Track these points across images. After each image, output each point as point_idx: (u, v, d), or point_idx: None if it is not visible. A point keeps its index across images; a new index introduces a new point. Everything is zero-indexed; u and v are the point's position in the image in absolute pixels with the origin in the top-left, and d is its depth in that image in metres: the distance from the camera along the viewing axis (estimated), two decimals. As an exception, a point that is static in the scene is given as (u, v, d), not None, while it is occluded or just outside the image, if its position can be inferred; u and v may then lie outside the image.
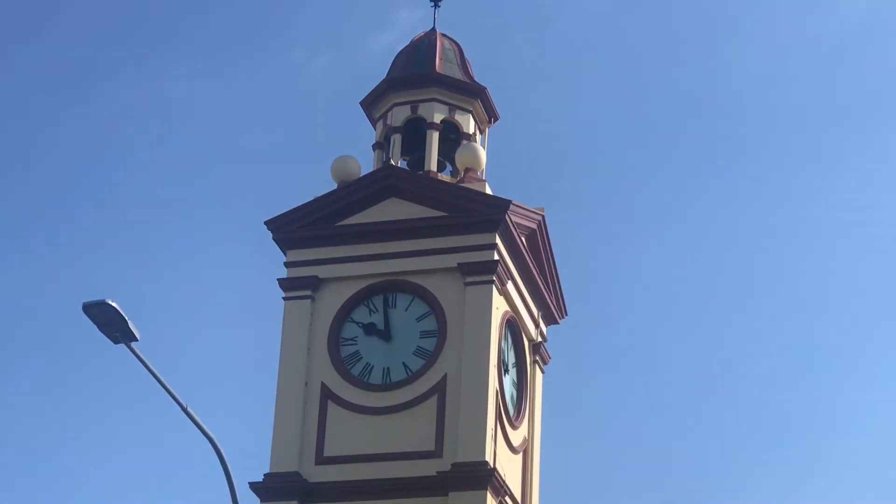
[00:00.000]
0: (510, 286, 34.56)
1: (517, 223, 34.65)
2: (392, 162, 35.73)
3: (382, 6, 70.78)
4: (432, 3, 38.83)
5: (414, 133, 36.67)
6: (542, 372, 36.70)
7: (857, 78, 69.56)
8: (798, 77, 68.66)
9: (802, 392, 64.67)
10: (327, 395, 33.24)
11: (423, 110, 36.68)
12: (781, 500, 60.24)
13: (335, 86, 67.28)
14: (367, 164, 36.58)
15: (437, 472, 31.61)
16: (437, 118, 36.50)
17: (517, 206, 34.46)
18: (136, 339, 23.88)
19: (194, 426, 24.56)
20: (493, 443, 32.43)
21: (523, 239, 35.20)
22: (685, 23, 70.23)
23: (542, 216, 36.01)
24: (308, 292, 34.18)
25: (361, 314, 34.06)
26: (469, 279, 33.49)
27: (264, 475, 32.52)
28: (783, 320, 66.41)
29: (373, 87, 37.38)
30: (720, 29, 70.62)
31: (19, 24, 71.16)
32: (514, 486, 33.90)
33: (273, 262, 35.04)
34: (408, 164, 36.68)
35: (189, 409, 24.48)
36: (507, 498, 32.64)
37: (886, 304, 67.03)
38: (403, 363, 33.36)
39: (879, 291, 67.83)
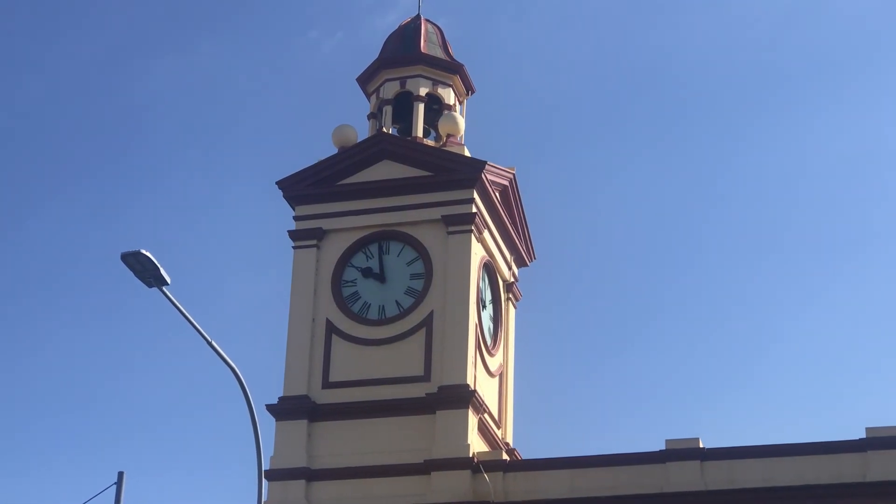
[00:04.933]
0: (486, 234, 34.99)
1: (492, 180, 35.02)
2: (384, 129, 36.00)
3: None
4: (417, -7, 39.04)
5: (403, 104, 36.91)
6: (515, 307, 37.14)
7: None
8: (747, 47, 67.40)
9: (746, 323, 63.62)
10: (331, 329, 33.59)
11: (410, 85, 36.91)
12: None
13: (342, 62, 67.15)
14: (363, 131, 36.78)
15: (425, 394, 32.18)
16: (423, 91, 36.79)
17: (492, 166, 34.80)
18: (167, 284, 23.78)
19: (218, 358, 24.56)
20: (473, 368, 32.86)
21: (497, 194, 35.58)
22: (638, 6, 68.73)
23: (513, 175, 36.35)
24: (314, 242, 34.39)
25: (360, 260, 34.26)
26: (451, 229, 33.79)
27: (279, 398, 33.01)
28: (700, 261, 65.62)
29: (367, 66, 37.46)
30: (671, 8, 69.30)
31: (81, 14, 70.69)
32: (492, 404, 34.40)
33: (283, 216, 35.23)
34: (398, 131, 36.92)
35: (213, 343, 24.43)
36: (485, 415, 33.11)
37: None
38: (396, 301, 33.68)
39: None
